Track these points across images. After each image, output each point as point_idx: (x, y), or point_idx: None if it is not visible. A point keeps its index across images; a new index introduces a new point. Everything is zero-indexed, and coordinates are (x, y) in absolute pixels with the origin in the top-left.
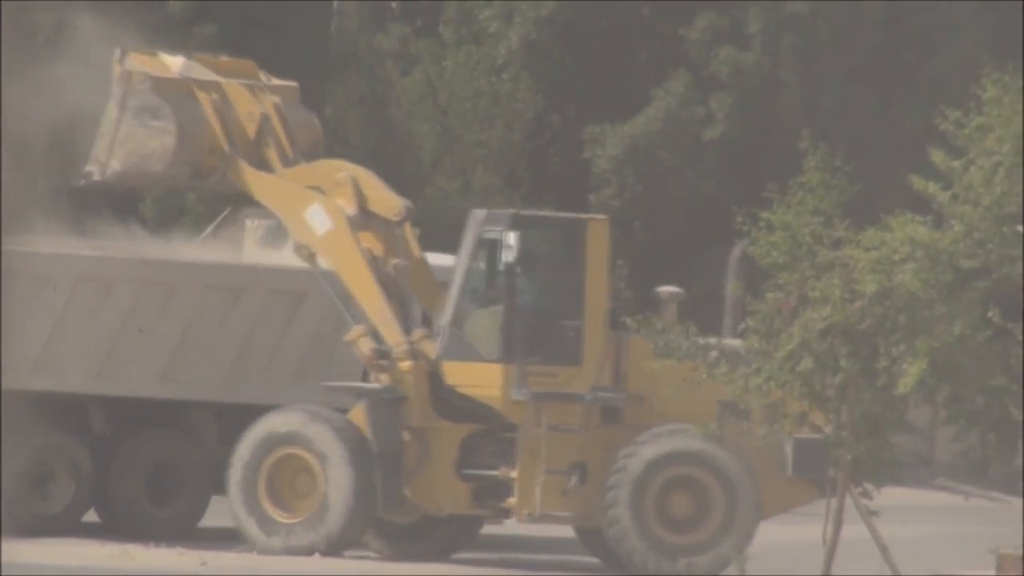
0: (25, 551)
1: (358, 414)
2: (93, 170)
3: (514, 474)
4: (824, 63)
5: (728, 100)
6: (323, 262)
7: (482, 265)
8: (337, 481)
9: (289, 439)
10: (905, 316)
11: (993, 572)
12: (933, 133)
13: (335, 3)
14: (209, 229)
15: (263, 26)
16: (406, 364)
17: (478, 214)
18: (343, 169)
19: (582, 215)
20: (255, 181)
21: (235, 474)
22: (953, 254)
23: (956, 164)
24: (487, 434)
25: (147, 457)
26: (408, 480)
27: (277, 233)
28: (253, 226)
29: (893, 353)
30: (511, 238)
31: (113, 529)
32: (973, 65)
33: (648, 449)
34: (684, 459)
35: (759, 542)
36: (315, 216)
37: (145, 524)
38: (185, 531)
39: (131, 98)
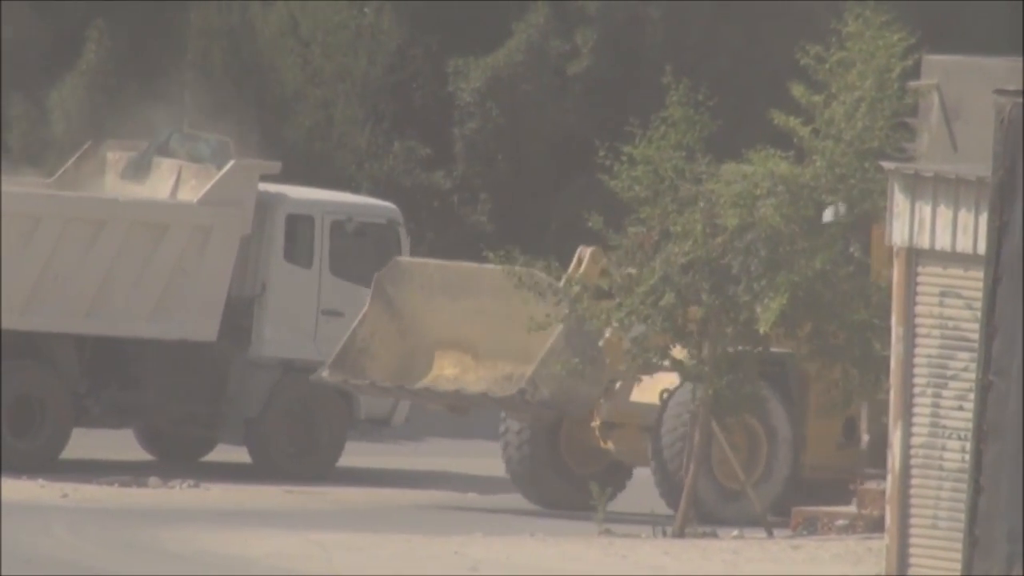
0: None
1: None
2: (528, 390)
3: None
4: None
5: (593, 35)
6: None
7: None
8: (780, 444)
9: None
10: (766, 251)
11: (854, 507)
12: (796, 69)
13: None
14: (71, 162)
15: None
16: None
17: None
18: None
19: None
20: None
21: (669, 440)
22: (815, 189)
23: (817, 99)
24: None
25: (8, 389)
26: None
27: (139, 166)
28: (115, 159)
29: (754, 288)
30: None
31: None
32: (841, 2)
33: None
34: None
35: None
36: None
37: (6, 456)
38: (46, 463)
39: (581, 339)
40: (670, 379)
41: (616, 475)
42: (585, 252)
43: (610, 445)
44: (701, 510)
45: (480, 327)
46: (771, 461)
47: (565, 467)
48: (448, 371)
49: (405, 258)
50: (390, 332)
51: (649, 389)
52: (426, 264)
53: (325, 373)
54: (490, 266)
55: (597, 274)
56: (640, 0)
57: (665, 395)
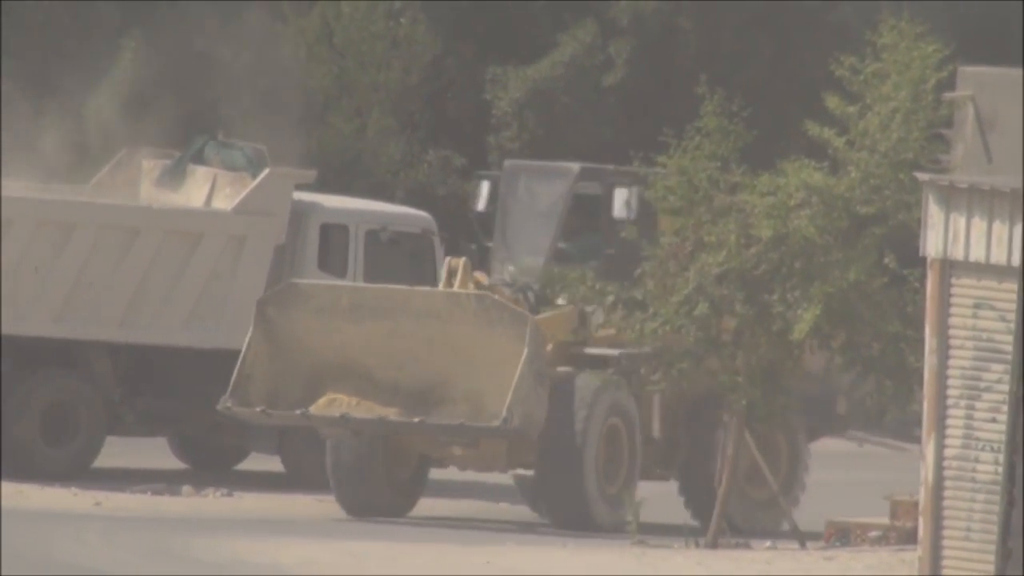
0: None
1: None
2: (508, 418)
3: None
4: (722, 10)
5: (628, 47)
6: None
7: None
8: (636, 447)
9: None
10: (801, 262)
11: (887, 519)
12: (831, 80)
13: None
14: (105, 169)
15: None
16: None
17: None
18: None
19: None
20: None
21: (591, 441)
22: (849, 200)
23: (852, 110)
24: None
25: (42, 397)
26: None
27: (174, 174)
28: (150, 167)
29: (788, 298)
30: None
31: (8, 469)
32: (875, 13)
33: None
34: None
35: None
36: None
37: (40, 464)
38: (79, 471)
39: (538, 361)
40: None
41: (421, 476)
42: (456, 263)
43: (456, 451)
44: (584, 512)
45: (391, 350)
46: (631, 466)
47: (389, 471)
48: (348, 395)
49: (303, 280)
50: (277, 356)
51: None
52: (333, 287)
53: (229, 403)
54: (425, 288)
55: (471, 284)
56: (672, 1)
57: None
